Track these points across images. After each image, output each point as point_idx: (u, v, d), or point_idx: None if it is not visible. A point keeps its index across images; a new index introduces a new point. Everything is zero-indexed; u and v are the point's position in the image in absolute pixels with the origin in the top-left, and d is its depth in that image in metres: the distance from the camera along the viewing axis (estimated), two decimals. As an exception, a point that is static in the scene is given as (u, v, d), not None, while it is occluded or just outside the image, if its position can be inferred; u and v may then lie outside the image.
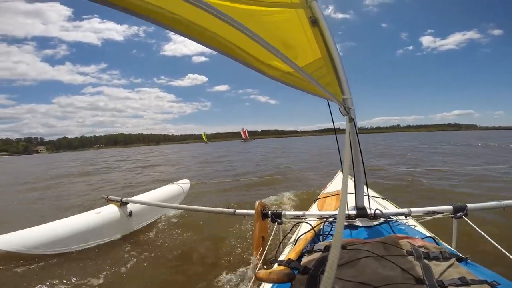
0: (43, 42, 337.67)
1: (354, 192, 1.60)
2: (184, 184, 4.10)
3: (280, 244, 1.55)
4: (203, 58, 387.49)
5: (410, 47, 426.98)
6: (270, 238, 1.64)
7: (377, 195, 2.11)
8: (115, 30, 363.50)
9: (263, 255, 1.55)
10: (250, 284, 1.20)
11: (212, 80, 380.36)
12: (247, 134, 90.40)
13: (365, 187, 1.60)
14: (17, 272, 2.22)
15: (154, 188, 3.86)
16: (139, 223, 3.17)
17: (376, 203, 1.65)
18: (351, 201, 1.72)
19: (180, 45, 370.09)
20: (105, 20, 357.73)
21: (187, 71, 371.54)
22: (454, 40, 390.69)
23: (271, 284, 1.01)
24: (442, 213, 1.53)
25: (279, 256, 1.38)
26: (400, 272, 0.75)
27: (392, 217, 1.50)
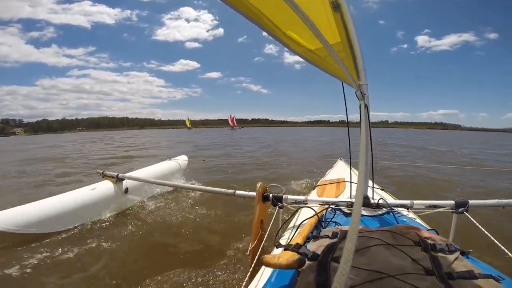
0: (29, 25, 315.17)
1: (356, 181, 1.53)
2: (182, 160, 4.06)
3: (279, 229, 1.55)
4: (196, 44, 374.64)
5: (405, 46, 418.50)
6: (271, 223, 1.62)
7: (378, 186, 2.11)
8: (106, 14, 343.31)
9: (263, 239, 1.53)
10: (250, 269, 1.18)
11: (204, 67, 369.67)
12: (235, 122, 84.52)
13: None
14: (7, 253, 2.12)
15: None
16: (135, 199, 3.15)
17: (377, 195, 1.64)
18: (354, 190, 1.77)
19: (173, 30, 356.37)
20: (96, 4, 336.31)
21: (179, 56, 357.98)
22: (449, 41, 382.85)
23: (270, 270, 0.99)
24: (444, 207, 1.55)
25: (278, 241, 1.36)
26: (410, 262, 0.74)
27: (394, 208, 1.50)
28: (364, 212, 1.43)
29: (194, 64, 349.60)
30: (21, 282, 1.84)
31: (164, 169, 3.73)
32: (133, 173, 3.27)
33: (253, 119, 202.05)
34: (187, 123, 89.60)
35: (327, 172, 3.00)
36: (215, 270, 1.93)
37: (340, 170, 2.93)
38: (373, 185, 1.64)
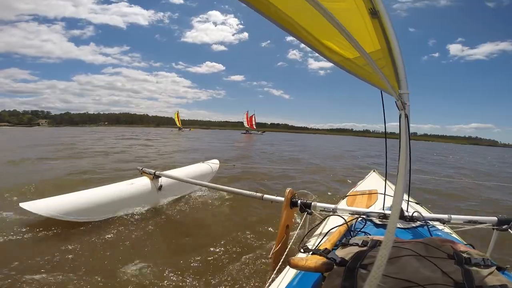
0: (72, 23, 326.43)
1: (390, 194, 1.62)
2: (213, 164, 4.17)
3: (305, 235, 1.56)
4: (222, 47, 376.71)
5: (436, 54, 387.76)
6: (298, 228, 1.62)
7: (413, 200, 2.10)
8: (141, 15, 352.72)
9: (287, 244, 1.54)
10: (274, 272, 1.20)
11: (229, 69, 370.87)
12: (254, 123, 57.34)
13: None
14: (48, 237, 2.29)
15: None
16: (167, 198, 3.26)
17: (411, 208, 1.62)
18: (388, 202, 1.76)
19: (201, 33, 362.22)
20: (132, 5, 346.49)
21: (205, 58, 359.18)
22: (484, 50, 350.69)
23: (292, 274, 1.01)
24: (485, 223, 1.50)
25: (304, 246, 1.42)
26: (440, 274, 0.74)
27: (429, 221, 1.48)
28: (398, 224, 1.40)
29: (219, 67, 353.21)
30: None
31: (197, 170, 3.85)
32: (169, 172, 3.37)
33: (272, 124, 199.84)
34: (176, 121, 58.37)
35: (359, 183, 2.98)
36: (233, 272, 1.95)
37: (372, 181, 2.89)
38: (408, 198, 1.63)
